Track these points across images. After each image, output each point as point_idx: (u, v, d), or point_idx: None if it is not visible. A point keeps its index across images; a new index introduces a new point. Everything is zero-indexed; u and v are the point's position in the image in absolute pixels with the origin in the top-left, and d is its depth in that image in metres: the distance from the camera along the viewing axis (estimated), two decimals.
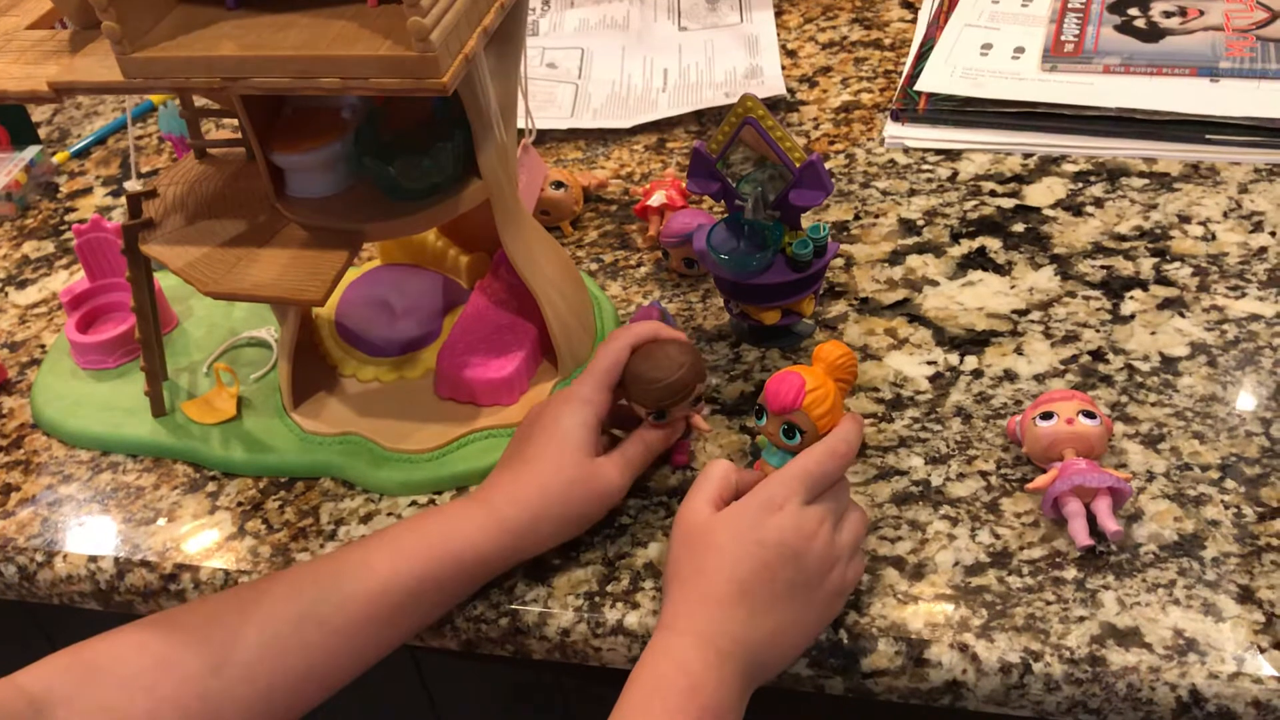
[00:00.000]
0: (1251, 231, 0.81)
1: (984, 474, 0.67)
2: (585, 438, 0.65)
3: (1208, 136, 0.88)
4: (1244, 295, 0.76)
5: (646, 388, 0.66)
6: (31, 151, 1.07)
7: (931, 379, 0.74)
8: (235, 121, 0.76)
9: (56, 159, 1.09)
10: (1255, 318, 0.74)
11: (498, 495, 0.64)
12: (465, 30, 0.56)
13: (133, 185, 0.72)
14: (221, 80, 0.56)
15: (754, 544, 0.57)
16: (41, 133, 1.15)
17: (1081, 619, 0.59)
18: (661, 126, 1.01)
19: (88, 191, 1.06)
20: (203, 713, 0.57)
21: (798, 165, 0.70)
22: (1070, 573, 0.62)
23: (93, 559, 0.72)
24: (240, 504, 0.74)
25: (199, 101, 0.77)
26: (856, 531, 0.61)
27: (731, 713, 0.55)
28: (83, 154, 1.12)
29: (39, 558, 0.73)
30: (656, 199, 0.87)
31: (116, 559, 0.72)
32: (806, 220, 0.74)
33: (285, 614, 0.59)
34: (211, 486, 0.75)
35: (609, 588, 0.65)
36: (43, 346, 0.89)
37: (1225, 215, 0.83)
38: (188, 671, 0.57)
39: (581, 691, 0.77)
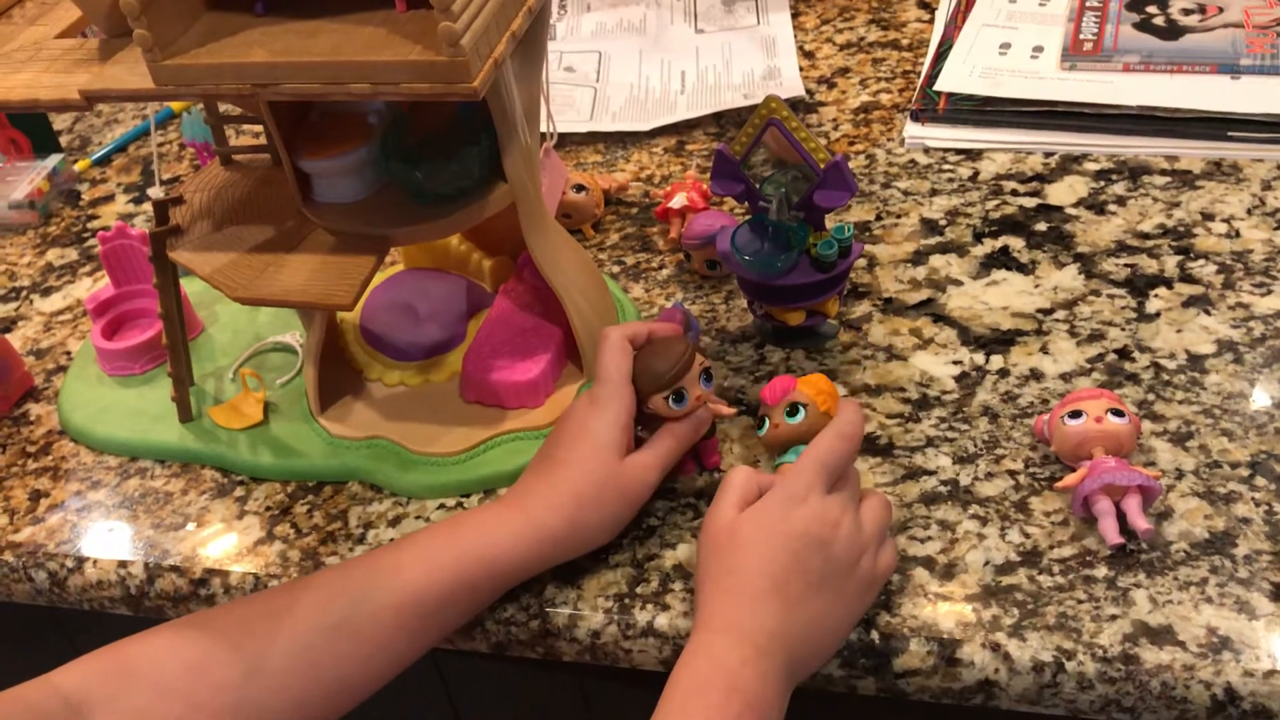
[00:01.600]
0: (1276, 229, 0.81)
1: (1012, 473, 0.67)
2: (616, 437, 0.65)
3: (1229, 133, 0.88)
4: (1270, 292, 0.76)
5: (655, 370, 0.66)
6: (54, 160, 1.08)
7: (957, 379, 0.74)
8: (260, 127, 0.76)
9: (78, 167, 1.10)
10: None
11: (533, 501, 0.64)
12: (494, 34, 0.56)
13: (156, 192, 0.72)
14: (252, 87, 0.56)
15: (782, 537, 0.58)
16: (62, 140, 1.16)
17: (1114, 617, 0.59)
18: (680, 129, 1.01)
19: (110, 199, 1.07)
20: None
21: (822, 166, 0.70)
22: (1101, 571, 0.61)
23: (122, 564, 0.72)
24: (269, 508, 0.74)
25: (223, 108, 0.77)
26: (880, 517, 0.61)
27: (773, 709, 0.55)
28: (104, 161, 1.12)
29: (69, 564, 0.73)
30: (678, 201, 0.87)
31: (146, 564, 0.72)
32: (830, 221, 0.74)
33: (318, 624, 0.59)
34: (239, 491, 0.76)
35: (638, 589, 0.65)
36: (68, 353, 0.90)
37: (1249, 212, 0.82)
38: (222, 679, 0.57)
39: (601, 691, 0.77)
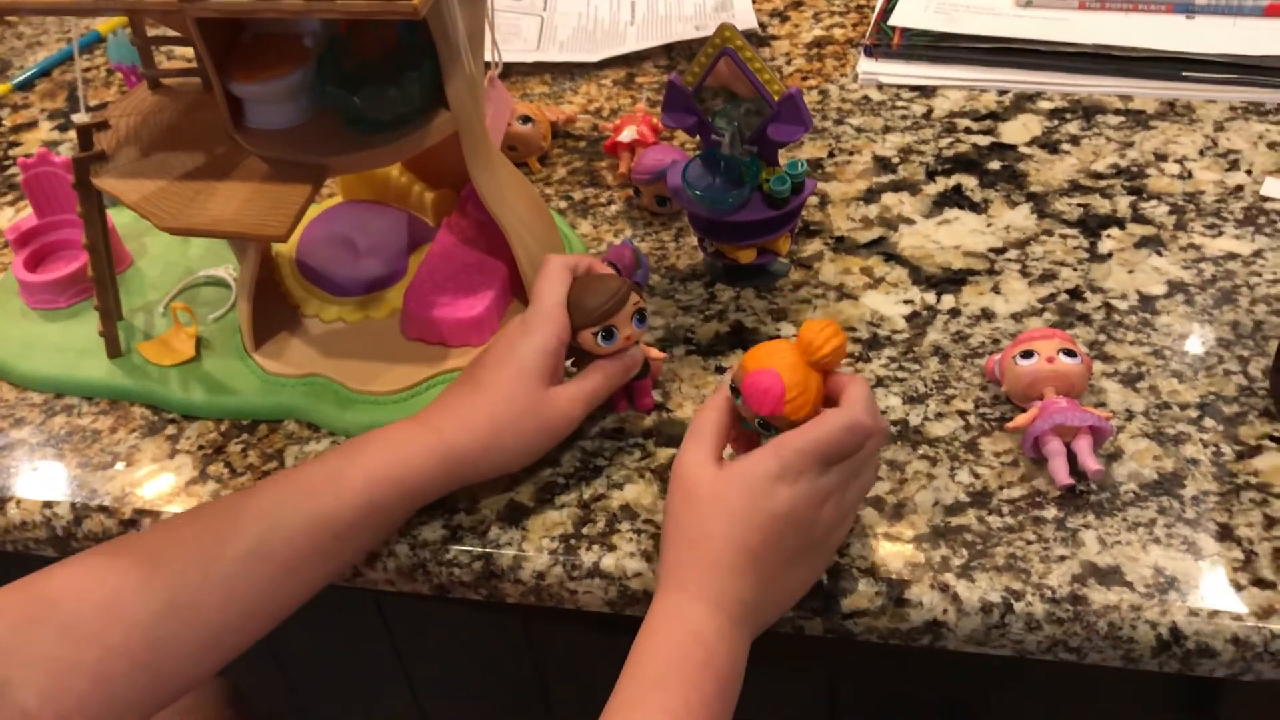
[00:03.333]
0: (1227, 170, 0.80)
1: (962, 413, 0.67)
2: (541, 363, 0.63)
3: (1184, 74, 0.87)
4: (1220, 234, 0.76)
5: (587, 305, 0.64)
6: None
7: (908, 318, 0.73)
8: (190, 50, 0.73)
9: None
10: (1232, 256, 0.74)
11: (447, 421, 0.63)
12: None
13: (81, 117, 0.69)
14: (178, 2, 0.53)
15: (766, 514, 0.55)
16: None
17: (1062, 558, 0.59)
18: (630, 61, 0.99)
19: (32, 125, 1.02)
20: (152, 659, 0.55)
21: (776, 99, 0.68)
22: (1050, 512, 0.61)
23: (48, 504, 0.70)
24: (201, 447, 0.72)
25: (151, 29, 0.73)
26: (865, 489, 0.59)
27: (739, 677, 0.55)
28: (26, 86, 1.07)
29: None
30: (627, 135, 0.85)
31: (73, 504, 0.69)
32: (783, 157, 0.72)
33: (231, 552, 0.57)
34: (171, 429, 0.73)
35: (585, 530, 0.64)
36: None
37: (1201, 153, 0.82)
38: (134, 617, 0.55)
39: (544, 631, 0.76)
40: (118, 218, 0.84)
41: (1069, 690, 0.68)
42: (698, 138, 0.73)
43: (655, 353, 0.70)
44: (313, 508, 0.59)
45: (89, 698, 0.53)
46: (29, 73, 1.07)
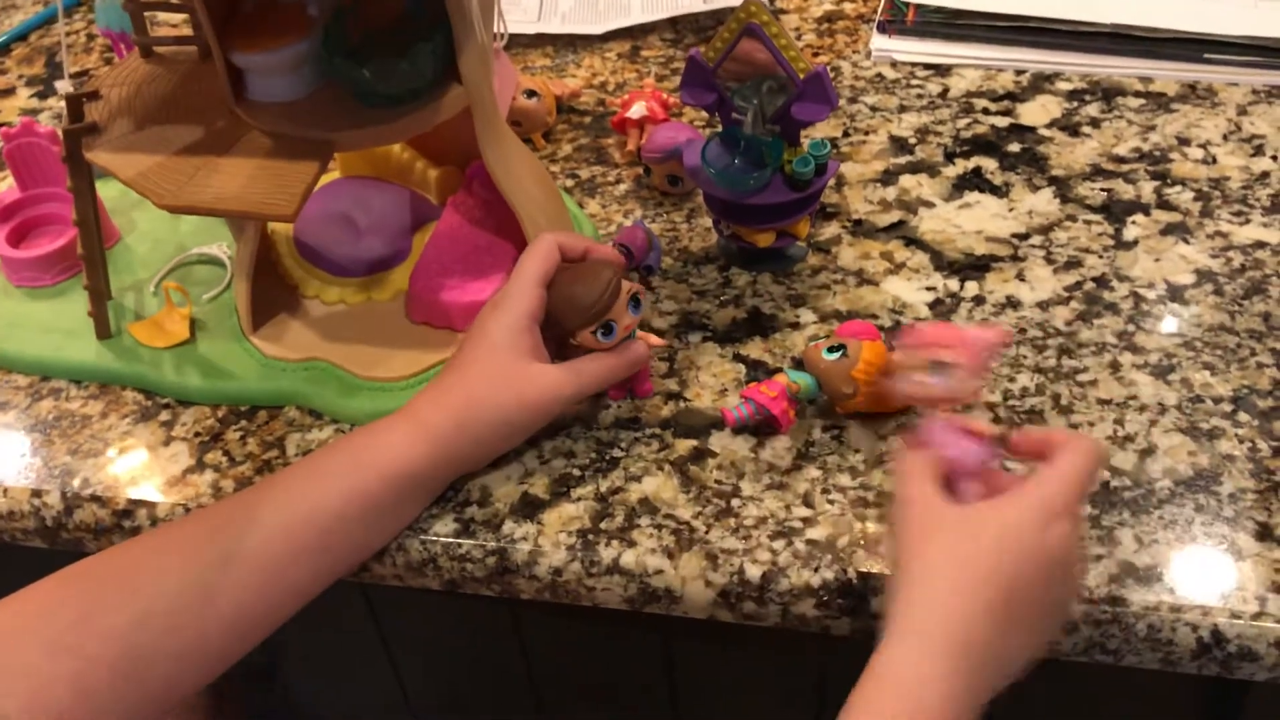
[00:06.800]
0: (1253, 155, 0.78)
1: (990, 405, 0.65)
2: (511, 339, 0.61)
3: (1206, 55, 0.85)
4: (1248, 221, 0.74)
5: (581, 303, 0.62)
6: None
7: (932, 305, 0.71)
8: (184, 16, 0.69)
9: None
10: (1260, 244, 0.72)
11: (422, 403, 0.61)
12: None
13: (66, 85, 0.65)
14: None
15: (1036, 552, 0.50)
16: None
17: (1099, 557, 0.57)
18: (634, 34, 0.96)
19: (10, 92, 0.98)
20: (134, 669, 0.53)
21: (802, 77, 0.66)
22: (1085, 509, 0.59)
23: (37, 493, 0.66)
24: (198, 434, 0.69)
25: None
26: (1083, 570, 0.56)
27: None
28: (2, 50, 1.03)
29: None
30: (636, 111, 0.82)
31: (64, 493, 0.66)
32: (804, 137, 0.69)
33: (208, 556, 0.56)
34: (165, 415, 0.70)
35: (603, 524, 0.61)
36: None
37: (1225, 138, 0.80)
38: (111, 626, 0.53)
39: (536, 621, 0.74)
40: (105, 190, 0.80)
41: (1085, 695, 0.67)
42: (714, 115, 0.70)
43: (654, 339, 0.68)
44: (292, 505, 0.57)
45: (73, 710, 0.51)
46: (5, 36, 1.03)
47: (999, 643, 0.49)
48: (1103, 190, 0.77)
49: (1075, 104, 0.84)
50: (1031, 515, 0.50)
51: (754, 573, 0.59)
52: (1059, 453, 0.52)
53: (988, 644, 0.49)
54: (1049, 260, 0.73)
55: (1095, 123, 0.82)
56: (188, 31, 0.69)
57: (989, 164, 0.80)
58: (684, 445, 0.65)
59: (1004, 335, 0.56)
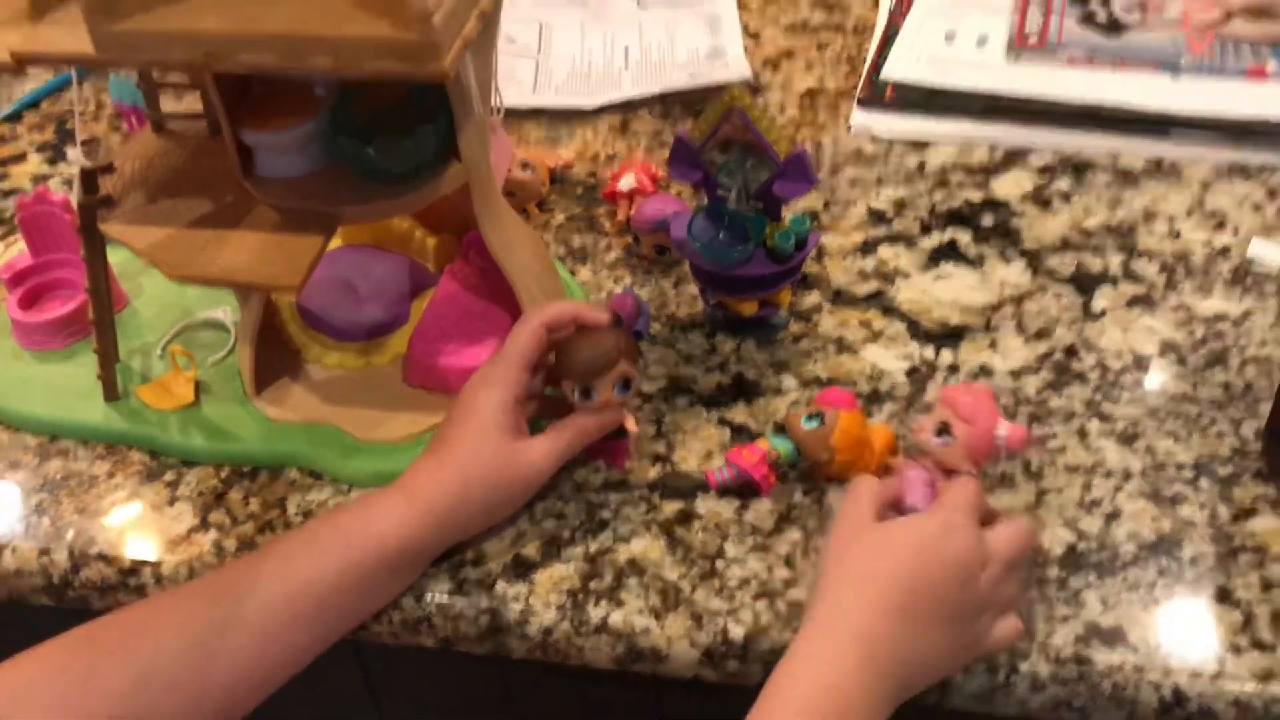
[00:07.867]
0: (1215, 230, 0.82)
1: None
2: (502, 420, 0.64)
3: (1171, 132, 0.89)
4: (1210, 295, 0.77)
5: (572, 359, 0.65)
6: None
7: (908, 373, 0.74)
8: (195, 93, 0.73)
9: None
10: (1221, 317, 0.76)
11: (418, 479, 0.64)
12: (464, 13, 0.54)
13: (77, 155, 0.68)
14: (204, 57, 0.53)
15: (935, 555, 0.56)
16: None
17: (1066, 618, 0.60)
18: (625, 107, 0.99)
19: (21, 158, 1.01)
20: None
21: (783, 156, 0.69)
22: (1053, 572, 0.62)
23: (44, 551, 0.69)
24: (201, 494, 0.71)
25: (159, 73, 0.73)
26: (1015, 596, 0.59)
27: None
28: (14, 118, 1.06)
29: None
30: (626, 183, 0.86)
31: (71, 552, 0.68)
32: (785, 211, 0.73)
33: (208, 620, 0.58)
34: (170, 475, 0.72)
35: (592, 585, 0.64)
36: None
37: (1188, 214, 0.84)
38: (112, 687, 0.56)
39: (521, 681, 0.76)
40: (113, 255, 0.82)
41: None
42: (699, 190, 0.74)
43: (631, 424, 0.68)
44: (291, 574, 0.60)
45: None
46: (18, 104, 1.06)
47: (909, 639, 0.55)
48: (1072, 263, 0.81)
49: (1047, 179, 0.88)
50: (934, 527, 0.57)
51: (737, 632, 0.61)
52: (954, 483, 0.60)
53: (894, 639, 0.55)
54: (1020, 330, 0.76)
55: (1066, 197, 0.86)
56: (197, 107, 0.72)
57: (963, 236, 0.84)
58: (671, 507, 0.67)
59: (1027, 436, 0.61)
